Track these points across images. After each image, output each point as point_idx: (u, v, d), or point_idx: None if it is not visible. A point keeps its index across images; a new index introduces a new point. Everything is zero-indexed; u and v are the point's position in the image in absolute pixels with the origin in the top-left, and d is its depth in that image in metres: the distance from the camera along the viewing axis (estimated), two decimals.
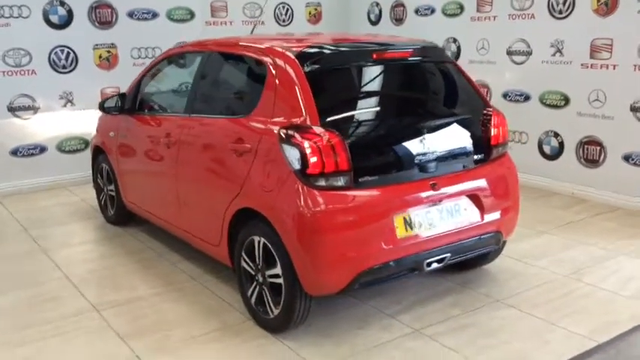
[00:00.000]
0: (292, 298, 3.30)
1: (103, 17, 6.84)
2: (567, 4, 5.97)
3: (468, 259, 3.99)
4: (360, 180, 3.25)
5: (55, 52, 6.62)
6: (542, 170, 6.42)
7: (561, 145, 6.23)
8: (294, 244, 3.19)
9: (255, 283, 3.55)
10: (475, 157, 3.76)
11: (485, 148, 3.79)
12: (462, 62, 7.09)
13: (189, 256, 4.58)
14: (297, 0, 8.18)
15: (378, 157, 3.40)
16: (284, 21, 8.13)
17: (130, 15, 7.00)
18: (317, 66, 3.42)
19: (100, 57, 6.89)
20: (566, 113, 6.14)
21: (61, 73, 6.67)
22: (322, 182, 3.17)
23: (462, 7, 7.07)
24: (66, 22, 6.64)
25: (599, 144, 5.89)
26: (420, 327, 3.56)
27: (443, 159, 3.56)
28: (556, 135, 6.27)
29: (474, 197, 3.68)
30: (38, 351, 3.37)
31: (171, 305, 3.91)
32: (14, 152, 6.57)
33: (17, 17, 6.35)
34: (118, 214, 5.31)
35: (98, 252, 4.91)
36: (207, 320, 3.69)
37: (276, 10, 8.05)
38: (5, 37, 6.30)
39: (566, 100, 6.12)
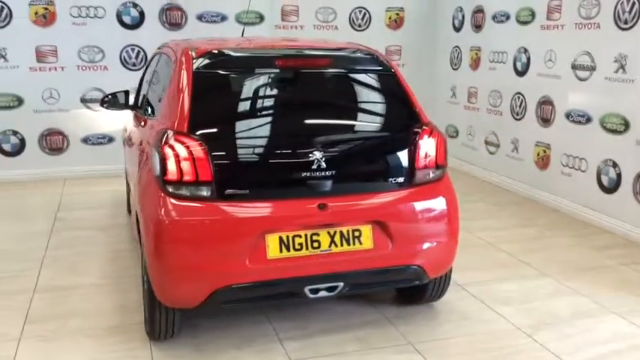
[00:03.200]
0: (152, 308, 3.25)
1: (173, 19, 7.26)
2: (634, 11, 5.07)
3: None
4: (226, 193, 3.09)
5: (126, 51, 7.17)
6: (598, 204, 5.54)
7: (619, 177, 5.31)
8: (148, 251, 3.14)
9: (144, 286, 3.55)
10: (391, 180, 3.37)
11: (407, 170, 3.38)
12: (529, 76, 6.41)
13: None
14: (376, 4, 7.93)
15: (253, 171, 3.20)
16: (360, 26, 7.93)
17: (200, 17, 7.34)
18: (211, 70, 3.33)
19: None
20: (625, 140, 5.23)
21: (130, 70, 7.20)
22: (181, 191, 3.07)
23: (533, 14, 6.34)
24: (137, 22, 7.16)
25: None
26: (299, 358, 3.29)
27: (341, 179, 3.25)
28: (614, 165, 5.36)
29: (383, 225, 3.29)
30: None
31: (100, 297, 4.04)
32: (85, 140, 7.25)
33: (93, 17, 6.99)
34: (130, 204, 5.59)
35: (94, 238, 5.22)
36: (113, 316, 3.76)
37: (352, 15, 7.88)
38: (81, 35, 6.97)
39: (626, 125, 5.20)
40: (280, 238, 3.14)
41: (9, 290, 4.12)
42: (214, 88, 3.33)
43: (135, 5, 7.11)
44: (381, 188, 3.36)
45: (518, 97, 6.63)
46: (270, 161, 3.23)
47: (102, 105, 5.11)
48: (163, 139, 3.10)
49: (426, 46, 8.20)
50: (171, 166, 3.04)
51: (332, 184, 3.22)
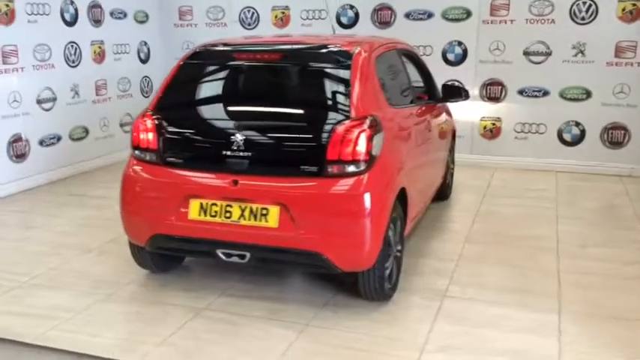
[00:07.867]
0: (129, 242, 4.22)
1: (383, 18, 7.86)
2: None
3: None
4: (167, 160, 3.85)
5: None
6: None
7: None
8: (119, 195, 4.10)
9: None
10: (302, 168, 3.60)
11: (318, 161, 3.56)
12: None
13: None
14: None
15: (187, 146, 3.90)
16: (583, 19, 7.08)
17: (407, 15, 7.74)
18: (191, 61, 4.10)
19: None
20: None
21: None
22: (140, 154, 3.96)
23: None
24: (353, 22, 8.00)
25: None
26: (207, 308, 3.85)
27: (255, 161, 3.66)
28: None
29: (287, 208, 3.57)
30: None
31: None
32: None
33: (317, 19, 8.12)
34: None
35: None
36: None
37: (573, 7, 7.09)
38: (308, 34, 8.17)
39: None
40: (201, 204, 3.75)
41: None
42: (185, 77, 4.08)
43: (351, 7, 7.95)
44: (291, 174, 3.61)
45: None
46: (202, 139, 3.89)
47: None
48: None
49: None
50: (134, 134, 3.96)
51: (247, 164, 3.66)
